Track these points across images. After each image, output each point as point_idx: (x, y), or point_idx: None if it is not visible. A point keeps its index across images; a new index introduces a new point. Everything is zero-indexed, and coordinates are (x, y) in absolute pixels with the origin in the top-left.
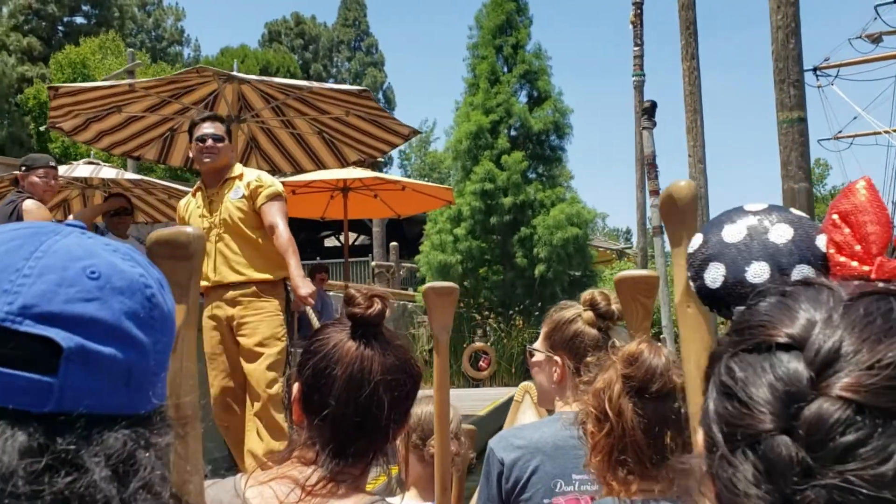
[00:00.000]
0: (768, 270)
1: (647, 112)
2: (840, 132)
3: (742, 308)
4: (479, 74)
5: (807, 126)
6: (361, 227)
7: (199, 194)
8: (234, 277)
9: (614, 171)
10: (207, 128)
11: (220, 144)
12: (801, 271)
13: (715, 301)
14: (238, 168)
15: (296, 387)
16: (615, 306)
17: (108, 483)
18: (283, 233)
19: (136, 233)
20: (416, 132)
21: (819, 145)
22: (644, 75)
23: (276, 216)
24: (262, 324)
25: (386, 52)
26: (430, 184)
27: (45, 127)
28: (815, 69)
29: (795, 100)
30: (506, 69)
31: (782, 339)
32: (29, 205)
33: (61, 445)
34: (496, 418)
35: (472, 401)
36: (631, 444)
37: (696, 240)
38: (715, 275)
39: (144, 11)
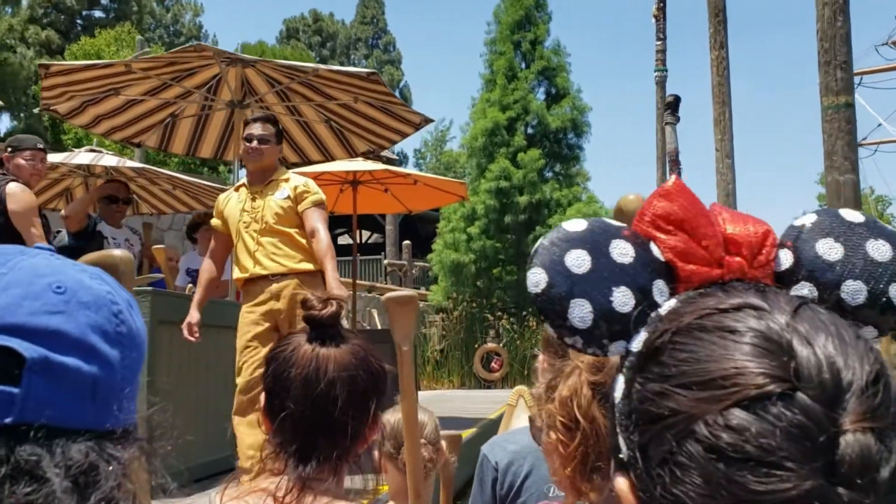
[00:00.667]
0: (631, 295)
1: (671, 107)
2: (864, 139)
3: (624, 344)
4: (497, 70)
5: (854, 112)
6: (374, 224)
7: (241, 190)
8: (275, 268)
9: (632, 171)
10: (255, 129)
11: (264, 146)
12: (658, 287)
13: (589, 342)
14: (286, 173)
15: (262, 396)
16: None
17: (67, 494)
18: (323, 237)
19: (137, 225)
20: (428, 120)
21: None
22: (667, 70)
23: (317, 221)
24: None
25: (403, 50)
26: (442, 178)
27: (38, 109)
28: None
29: (843, 83)
30: (524, 65)
31: (775, 386)
32: (13, 188)
33: (21, 456)
34: None
35: (483, 403)
36: (606, 450)
37: (538, 277)
38: (581, 313)
39: (163, 6)
